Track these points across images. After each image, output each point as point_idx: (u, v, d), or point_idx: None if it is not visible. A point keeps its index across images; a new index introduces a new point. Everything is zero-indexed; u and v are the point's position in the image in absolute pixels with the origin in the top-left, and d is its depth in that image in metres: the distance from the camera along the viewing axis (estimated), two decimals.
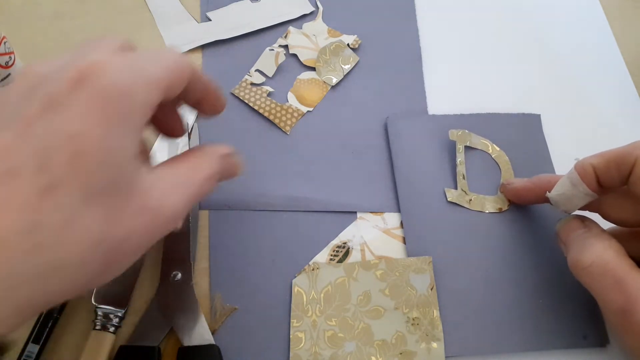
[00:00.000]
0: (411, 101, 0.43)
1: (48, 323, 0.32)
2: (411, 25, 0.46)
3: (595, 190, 0.31)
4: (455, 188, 0.38)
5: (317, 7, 0.47)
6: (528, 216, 0.38)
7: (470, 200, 0.38)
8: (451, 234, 0.37)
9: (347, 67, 0.43)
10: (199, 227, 0.37)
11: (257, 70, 0.43)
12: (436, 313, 0.34)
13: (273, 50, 0.43)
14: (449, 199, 0.37)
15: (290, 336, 0.33)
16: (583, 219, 0.33)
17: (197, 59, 0.44)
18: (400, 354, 0.32)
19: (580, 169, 0.31)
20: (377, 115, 0.42)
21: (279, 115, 0.41)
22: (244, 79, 0.42)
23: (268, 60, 0.43)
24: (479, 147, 0.40)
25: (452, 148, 0.39)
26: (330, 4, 0.47)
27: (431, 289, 0.34)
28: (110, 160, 0.19)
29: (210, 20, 0.45)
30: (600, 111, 0.42)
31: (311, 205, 0.38)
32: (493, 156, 0.40)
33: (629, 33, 0.46)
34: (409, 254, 0.36)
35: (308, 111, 0.41)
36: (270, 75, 0.43)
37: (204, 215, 0.37)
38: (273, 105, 0.41)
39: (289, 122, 0.41)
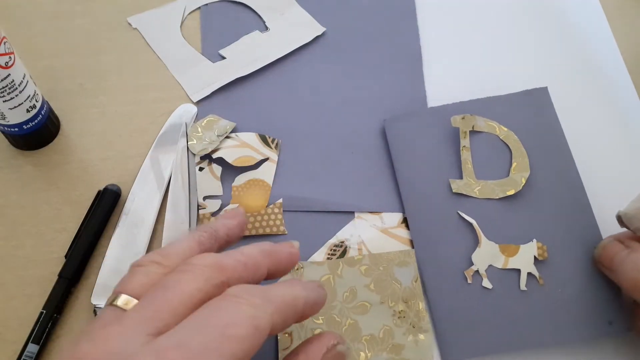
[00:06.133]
0: (411, 98, 0.42)
1: (48, 323, 0.33)
2: (410, 21, 0.46)
3: None
4: (461, 178, 0.37)
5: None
6: (542, 198, 0.36)
7: (478, 188, 0.37)
8: (459, 230, 0.36)
9: (223, 136, 0.40)
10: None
11: (205, 197, 0.38)
12: (422, 305, 0.34)
13: (203, 168, 0.39)
14: (454, 190, 0.37)
15: (278, 337, 0.33)
16: (621, 239, 0.32)
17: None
18: (389, 347, 0.33)
19: None
20: (376, 114, 0.42)
21: (264, 224, 0.37)
22: (200, 215, 0.37)
23: (208, 180, 0.39)
24: (485, 130, 0.39)
25: (455, 138, 0.39)
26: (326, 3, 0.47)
27: (415, 281, 0.34)
28: None
29: (223, 58, 0.44)
30: (598, 110, 0.42)
31: (309, 205, 0.38)
32: (501, 137, 0.39)
33: (629, 33, 0.46)
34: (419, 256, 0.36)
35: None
36: (220, 193, 0.38)
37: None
38: (252, 221, 0.37)
39: (277, 221, 0.37)
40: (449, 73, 0.44)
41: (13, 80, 0.35)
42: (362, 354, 0.32)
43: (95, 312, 0.33)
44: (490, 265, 0.34)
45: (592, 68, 0.44)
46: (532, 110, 0.40)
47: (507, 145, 0.38)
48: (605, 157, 0.40)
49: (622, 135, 0.41)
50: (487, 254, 0.35)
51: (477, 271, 0.34)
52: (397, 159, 0.39)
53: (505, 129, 0.39)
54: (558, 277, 0.34)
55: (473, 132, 0.39)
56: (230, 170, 0.39)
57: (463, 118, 0.39)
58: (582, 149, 0.39)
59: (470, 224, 0.36)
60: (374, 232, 0.37)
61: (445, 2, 0.48)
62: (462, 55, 0.45)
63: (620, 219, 0.32)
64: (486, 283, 0.34)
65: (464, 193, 0.37)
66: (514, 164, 0.38)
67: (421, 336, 0.33)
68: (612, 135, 0.41)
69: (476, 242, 0.35)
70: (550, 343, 0.32)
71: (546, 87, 0.41)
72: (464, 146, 0.38)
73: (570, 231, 0.35)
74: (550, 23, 0.47)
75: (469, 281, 0.34)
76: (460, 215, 0.36)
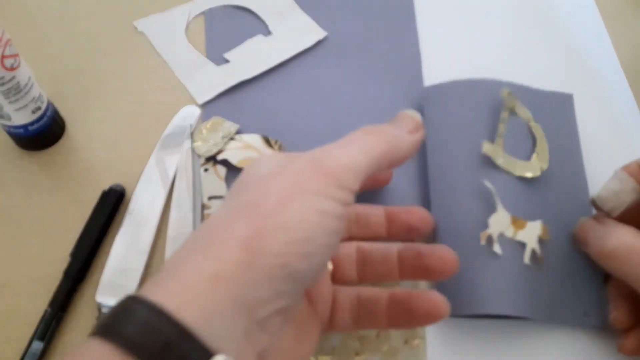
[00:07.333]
0: (411, 99, 0.43)
1: (52, 321, 0.33)
2: (409, 24, 0.47)
3: None
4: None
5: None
6: (555, 188, 0.37)
7: (504, 159, 0.37)
8: (476, 196, 0.36)
9: (227, 138, 0.40)
10: None
11: (210, 197, 0.38)
12: None
13: (208, 169, 0.39)
14: (484, 150, 0.36)
15: None
16: (597, 218, 0.34)
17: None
18: (384, 350, 0.33)
19: (626, 167, 0.32)
20: (376, 117, 0.41)
21: None
22: (205, 215, 0.38)
23: (212, 181, 0.39)
24: (521, 115, 0.39)
25: (488, 111, 0.39)
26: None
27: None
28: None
29: (228, 61, 0.45)
30: (595, 111, 0.42)
31: None
32: (530, 125, 0.38)
33: (625, 34, 0.46)
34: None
35: None
36: (224, 193, 0.39)
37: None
38: None
39: None
40: (448, 75, 0.44)
41: (18, 82, 0.35)
42: (358, 353, 0.33)
43: (99, 310, 0.33)
44: (501, 233, 0.34)
45: (588, 70, 0.44)
46: (553, 114, 0.40)
47: (534, 136, 0.38)
48: (601, 158, 0.40)
49: (618, 137, 0.41)
50: (501, 222, 0.35)
51: (490, 235, 0.34)
52: (430, 124, 0.39)
53: (535, 122, 0.39)
54: (548, 259, 0.34)
55: (510, 111, 0.39)
56: (234, 172, 0.39)
57: (509, 93, 0.39)
58: None
59: (487, 193, 0.35)
60: None
61: (444, 7, 0.48)
62: (461, 57, 0.45)
63: (594, 202, 0.33)
64: (496, 248, 0.33)
65: (491, 156, 0.36)
66: (534, 155, 0.37)
67: (416, 341, 0.33)
68: (607, 137, 0.41)
69: (490, 210, 0.35)
70: (526, 316, 0.32)
71: (571, 95, 0.41)
72: (504, 118, 0.38)
73: (569, 223, 0.35)
74: (547, 25, 0.47)
75: (482, 242, 0.34)
76: (479, 182, 0.36)
